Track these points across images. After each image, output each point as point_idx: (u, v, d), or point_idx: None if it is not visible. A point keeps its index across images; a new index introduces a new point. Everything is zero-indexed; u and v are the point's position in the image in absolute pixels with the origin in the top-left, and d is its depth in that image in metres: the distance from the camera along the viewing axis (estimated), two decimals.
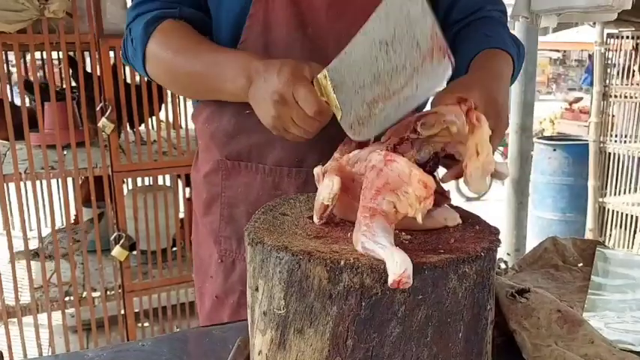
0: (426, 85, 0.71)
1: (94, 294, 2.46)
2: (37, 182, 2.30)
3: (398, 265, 0.58)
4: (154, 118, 2.62)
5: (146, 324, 2.69)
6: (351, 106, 0.78)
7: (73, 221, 2.67)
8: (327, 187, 0.72)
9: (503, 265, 1.10)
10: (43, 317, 2.42)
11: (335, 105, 0.80)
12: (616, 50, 3.70)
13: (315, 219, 0.76)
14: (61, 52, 2.36)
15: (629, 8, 2.13)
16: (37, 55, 3.16)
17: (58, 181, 2.42)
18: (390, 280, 0.58)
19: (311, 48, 1.02)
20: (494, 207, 5.55)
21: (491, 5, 1.11)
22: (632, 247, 3.54)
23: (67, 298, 2.41)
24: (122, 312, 2.51)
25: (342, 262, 0.62)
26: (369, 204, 0.66)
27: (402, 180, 0.66)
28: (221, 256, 1.17)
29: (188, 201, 2.69)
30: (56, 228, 2.41)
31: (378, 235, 0.63)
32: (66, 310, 2.43)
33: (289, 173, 1.09)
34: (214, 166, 1.15)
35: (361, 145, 0.81)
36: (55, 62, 3.28)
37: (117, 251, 2.38)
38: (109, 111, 2.26)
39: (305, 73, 0.84)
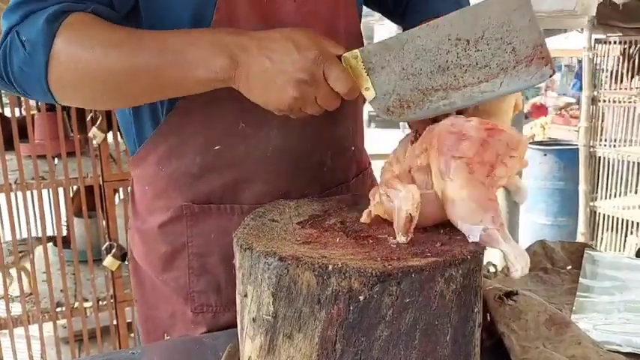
0: (515, 85, 0.75)
1: (86, 304, 2.44)
2: (28, 192, 2.29)
3: (523, 259, 0.66)
4: None
5: None
6: (393, 89, 0.78)
7: (65, 231, 2.66)
8: (407, 197, 0.70)
9: (492, 269, 1.11)
10: (34, 328, 2.41)
11: (366, 86, 0.79)
12: (604, 56, 3.73)
13: (402, 237, 0.71)
14: None
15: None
16: None
17: (49, 191, 2.41)
18: (517, 275, 0.66)
19: None
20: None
21: None
22: (623, 250, 3.56)
23: (58, 309, 2.39)
24: (114, 322, 2.50)
25: (330, 267, 0.62)
26: (486, 181, 0.69)
27: (510, 148, 0.70)
28: (196, 314, 1.01)
29: None
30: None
31: (504, 228, 0.68)
32: (57, 321, 2.41)
33: None
34: (175, 213, 0.98)
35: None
36: None
37: (109, 261, 2.37)
38: (99, 120, 2.26)
39: (330, 49, 0.78)
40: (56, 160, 2.39)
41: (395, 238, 0.73)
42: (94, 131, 2.26)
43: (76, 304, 2.42)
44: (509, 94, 0.78)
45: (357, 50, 0.78)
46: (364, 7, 1.20)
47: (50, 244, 2.47)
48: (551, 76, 0.73)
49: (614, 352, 0.83)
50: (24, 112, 2.32)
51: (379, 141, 3.39)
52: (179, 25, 0.87)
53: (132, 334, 2.61)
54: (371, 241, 0.73)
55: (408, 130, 0.88)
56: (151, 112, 0.96)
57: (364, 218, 0.79)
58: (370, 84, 0.79)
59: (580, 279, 1.10)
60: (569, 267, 1.16)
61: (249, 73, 0.78)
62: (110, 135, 2.40)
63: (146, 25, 0.89)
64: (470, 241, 0.70)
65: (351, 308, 0.63)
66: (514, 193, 0.77)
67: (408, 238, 0.71)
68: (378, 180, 0.88)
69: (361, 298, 0.62)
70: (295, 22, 0.93)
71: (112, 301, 2.46)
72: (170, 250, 1.00)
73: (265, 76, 0.77)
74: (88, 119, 2.28)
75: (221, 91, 0.83)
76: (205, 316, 1.00)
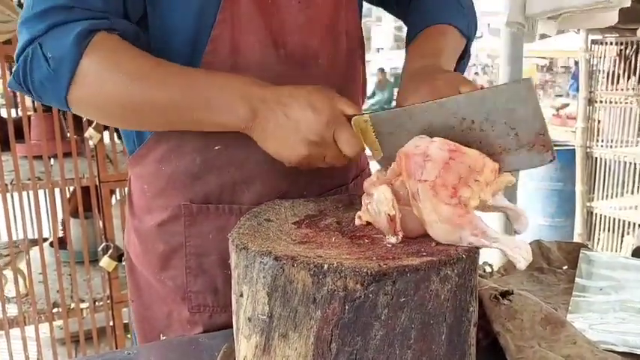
0: (515, 165, 0.77)
1: (82, 305, 2.44)
2: (24, 193, 2.28)
3: (521, 249, 0.67)
4: None
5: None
6: (399, 150, 0.78)
7: (60, 232, 2.66)
8: (381, 199, 0.72)
9: (488, 269, 1.11)
10: (30, 329, 2.40)
11: (374, 148, 0.83)
12: (601, 57, 3.75)
13: (392, 238, 0.71)
14: None
15: (629, 5, 2.11)
16: None
17: (45, 191, 2.41)
18: (523, 265, 0.66)
19: (287, 69, 0.95)
20: (484, 213, 5.56)
21: None
22: (620, 251, 3.56)
23: (54, 310, 2.39)
24: (111, 323, 2.49)
25: (326, 267, 0.62)
26: (451, 202, 0.69)
27: (474, 171, 0.71)
28: (193, 314, 1.01)
29: None
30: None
31: (488, 229, 0.69)
32: (54, 322, 2.41)
33: None
34: (173, 212, 0.98)
35: None
36: None
37: (105, 262, 2.36)
38: (95, 121, 2.26)
39: (344, 108, 0.82)
40: (52, 160, 2.39)
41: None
42: (90, 132, 2.26)
43: (73, 305, 2.42)
44: (512, 171, 0.80)
45: (367, 115, 0.81)
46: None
47: (46, 245, 2.47)
48: (551, 161, 0.75)
49: (609, 351, 0.83)
50: (20, 113, 2.32)
51: None
52: (183, 25, 0.89)
53: (129, 335, 2.61)
54: (366, 241, 0.73)
55: None
56: None
57: (357, 222, 0.79)
58: (378, 145, 0.83)
59: (576, 279, 1.10)
60: (565, 267, 1.16)
61: (266, 126, 0.82)
62: (107, 135, 2.40)
63: (152, 27, 0.90)
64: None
65: (347, 308, 0.63)
66: (513, 219, 0.75)
67: (399, 238, 0.71)
68: None
69: (357, 297, 0.62)
70: (298, 23, 0.95)
71: (108, 301, 2.46)
72: (168, 250, 1.00)
73: (279, 132, 0.81)
74: (84, 120, 2.28)
75: None
76: (202, 316, 1.00)
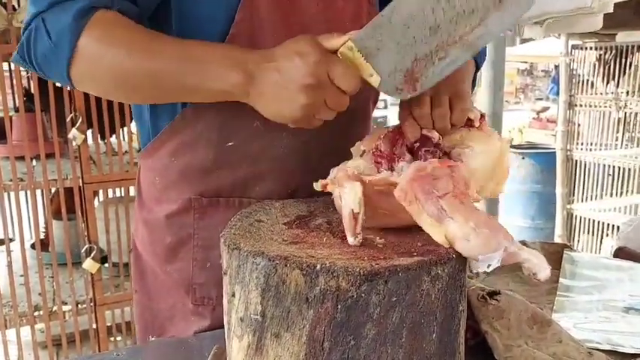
0: (506, 19, 0.76)
1: (65, 308, 2.41)
2: (5, 194, 2.25)
3: (543, 261, 0.67)
4: (125, 129, 2.59)
5: (118, 338, 2.65)
6: (395, 67, 0.78)
7: (42, 234, 2.62)
8: (350, 194, 0.71)
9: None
10: (11, 333, 2.37)
11: (369, 73, 0.79)
12: (581, 61, 3.81)
13: (351, 239, 0.71)
14: None
15: (611, 11, 2.17)
16: (5, 66, 3.10)
17: (26, 193, 2.38)
18: (547, 273, 0.67)
19: None
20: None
21: None
22: (599, 252, 3.62)
23: (36, 313, 2.36)
24: (94, 326, 2.47)
25: (319, 266, 0.63)
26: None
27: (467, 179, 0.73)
28: (197, 306, 1.02)
29: None
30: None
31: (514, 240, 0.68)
32: (35, 326, 2.37)
33: None
34: (183, 204, 1.00)
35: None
36: (24, 73, 3.23)
37: (88, 264, 2.34)
38: (79, 122, 2.24)
39: (324, 44, 0.79)
40: (35, 161, 2.36)
41: (381, 238, 0.74)
42: (73, 132, 2.24)
43: (55, 308, 2.39)
44: (506, 29, 0.80)
45: (349, 40, 0.78)
46: None
47: (28, 247, 2.44)
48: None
49: (593, 349, 0.85)
50: (1, 114, 2.29)
51: None
52: (209, 16, 0.91)
53: (112, 338, 2.59)
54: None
55: None
56: (168, 104, 0.97)
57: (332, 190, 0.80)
58: (372, 69, 0.79)
59: (560, 279, 1.12)
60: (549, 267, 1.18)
61: (263, 89, 0.80)
62: (90, 136, 2.38)
63: (175, 22, 0.92)
64: (489, 270, 0.67)
65: (339, 307, 0.63)
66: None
67: (358, 239, 0.70)
68: None
69: (349, 297, 0.63)
70: (317, 25, 0.95)
71: (91, 304, 2.43)
72: (175, 241, 1.01)
73: (276, 89, 0.79)
74: (67, 120, 2.25)
75: None
76: (206, 309, 1.01)
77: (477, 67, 1.08)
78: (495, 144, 0.84)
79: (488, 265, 0.67)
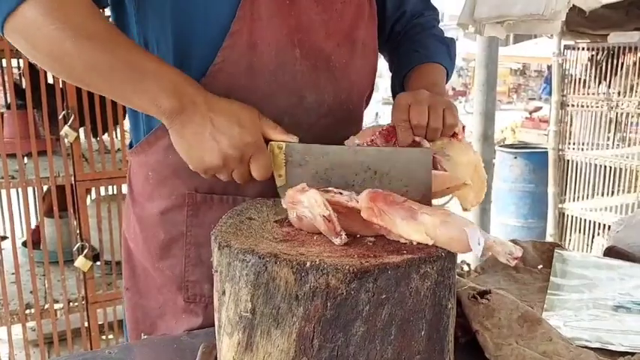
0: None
1: (57, 306, 2.40)
2: None
3: (512, 247, 0.67)
4: (117, 126, 2.59)
5: (110, 336, 2.64)
6: (301, 180, 0.82)
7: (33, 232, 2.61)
8: (312, 202, 0.72)
9: (466, 268, 1.13)
10: (2, 331, 2.36)
11: (280, 174, 0.87)
12: (573, 61, 3.83)
13: (337, 240, 0.72)
14: (21, 60, 2.32)
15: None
16: None
17: (17, 190, 2.37)
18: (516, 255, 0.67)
19: (301, 70, 0.97)
20: (458, 213, 5.62)
21: (426, 12, 1.22)
22: (590, 251, 3.64)
23: (27, 311, 2.35)
24: (86, 324, 2.46)
25: (308, 264, 0.63)
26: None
27: None
28: (189, 303, 1.02)
29: None
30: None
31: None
32: (27, 324, 2.36)
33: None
34: (177, 201, 1.00)
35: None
36: (15, 70, 3.21)
37: (80, 262, 2.33)
38: (71, 119, 2.23)
39: (265, 131, 0.85)
40: (26, 159, 2.34)
41: (370, 237, 0.74)
42: (65, 130, 2.23)
43: (46, 306, 2.38)
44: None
45: (283, 143, 0.86)
46: None
47: (20, 245, 2.43)
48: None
49: (583, 347, 0.85)
50: None
51: None
52: (206, 14, 0.91)
53: (103, 337, 2.58)
54: (347, 239, 0.74)
55: None
56: None
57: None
58: (284, 173, 0.87)
59: (551, 277, 1.13)
60: (540, 266, 1.19)
61: (187, 125, 0.83)
62: (82, 134, 2.37)
63: (172, 18, 0.92)
64: (482, 258, 0.72)
65: (329, 304, 0.63)
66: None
67: (342, 238, 0.71)
68: None
69: (338, 294, 0.63)
70: (315, 25, 0.98)
71: (83, 302, 2.42)
72: (168, 238, 1.02)
73: (199, 136, 0.82)
74: (60, 117, 2.24)
75: (234, 85, 0.91)
76: (197, 307, 1.02)
77: (448, 77, 1.16)
78: (471, 155, 0.90)
79: (482, 255, 0.69)
